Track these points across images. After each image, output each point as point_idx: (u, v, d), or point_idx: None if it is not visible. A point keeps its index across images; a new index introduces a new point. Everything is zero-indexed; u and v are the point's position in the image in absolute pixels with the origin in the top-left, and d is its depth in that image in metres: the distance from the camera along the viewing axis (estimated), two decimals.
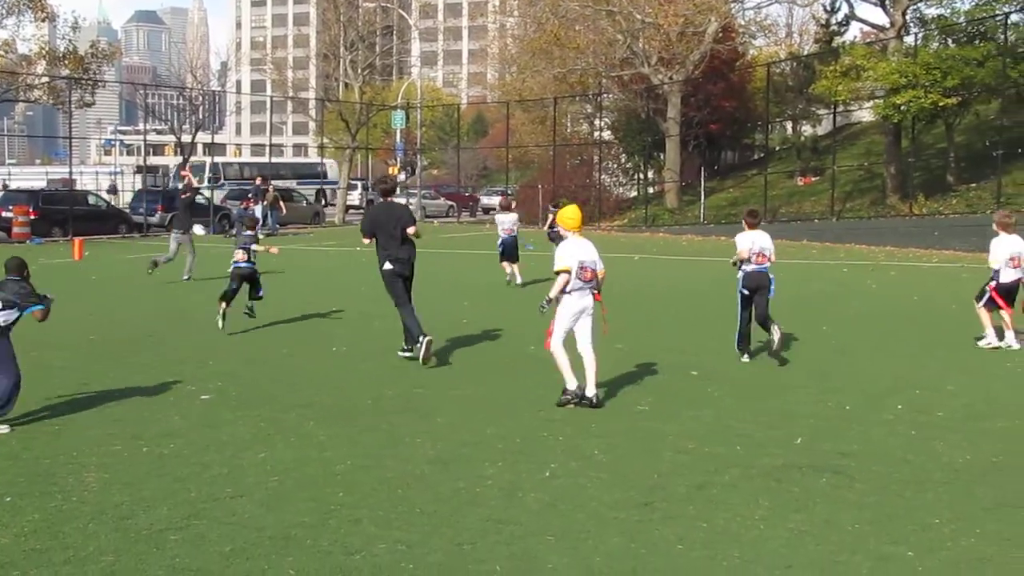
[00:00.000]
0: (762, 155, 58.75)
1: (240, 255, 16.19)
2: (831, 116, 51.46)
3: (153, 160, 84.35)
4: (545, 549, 6.82)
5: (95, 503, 7.67)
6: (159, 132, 76.47)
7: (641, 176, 57.60)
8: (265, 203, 42.88)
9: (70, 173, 49.39)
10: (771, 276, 13.80)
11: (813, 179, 52.36)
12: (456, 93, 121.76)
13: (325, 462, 8.81)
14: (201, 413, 10.61)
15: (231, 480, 8.27)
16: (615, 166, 59.69)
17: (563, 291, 10.92)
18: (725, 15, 50.02)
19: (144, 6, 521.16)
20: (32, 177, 70.20)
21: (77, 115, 44.04)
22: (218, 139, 71.36)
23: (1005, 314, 15.02)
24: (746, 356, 13.94)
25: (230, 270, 16.24)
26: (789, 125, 59.57)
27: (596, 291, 11.08)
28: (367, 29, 57.70)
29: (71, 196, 42.17)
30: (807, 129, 57.74)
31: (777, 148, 58.52)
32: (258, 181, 41.75)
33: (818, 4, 53.42)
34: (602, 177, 56.19)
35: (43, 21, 42.29)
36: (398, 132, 69.42)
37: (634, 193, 58.20)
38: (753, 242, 13.74)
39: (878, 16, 48.67)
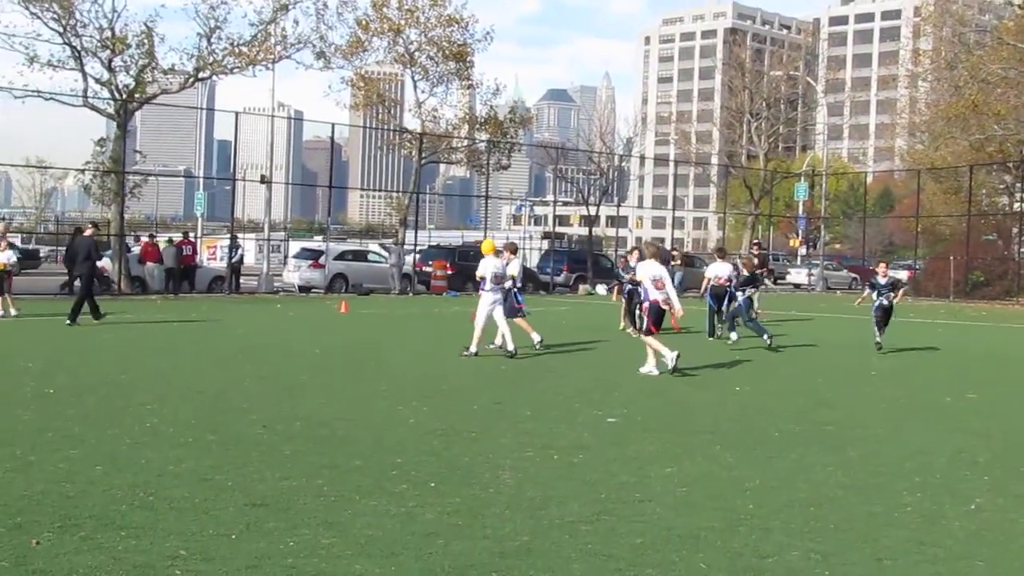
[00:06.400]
0: None
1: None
2: None
3: (560, 229, 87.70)
4: (976, 573, 6.34)
5: (510, 495, 7.91)
6: (565, 204, 79.43)
7: None
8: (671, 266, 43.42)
9: (484, 233, 52.12)
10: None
11: None
12: (862, 169, 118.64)
13: (733, 480, 8.67)
14: (608, 432, 10.79)
15: (639, 487, 8.30)
16: None
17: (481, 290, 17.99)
18: None
19: (556, 85, 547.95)
20: (450, 239, 74.76)
21: (490, 184, 46.61)
22: (622, 211, 73.24)
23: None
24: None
25: None
26: None
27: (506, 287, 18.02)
28: (773, 97, 57.50)
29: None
30: None
31: None
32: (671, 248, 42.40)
33: None
34: (1021, 251, 52.63)
35: (467, 89, 45.21)
36: (800, 204, 68.48)
37: None
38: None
39: None
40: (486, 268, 17.74)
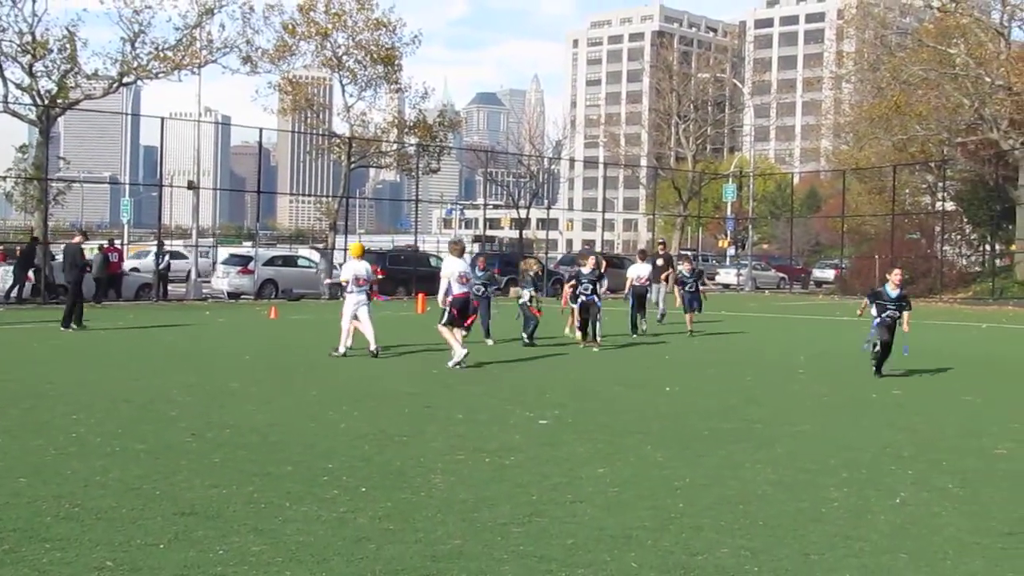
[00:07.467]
0: None
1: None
2: None
3: (490, 232, 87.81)
4: (900, 565, 6.46)
5: (441, 498, 7.91)
6: (496, 207, 79.50)
7: (987, 247, 54.55)
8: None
9: (415, 236, 52.06)
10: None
11: None
12: (788, 169, 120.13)
13: (664, 479, 8.74)
14: (540, 434, 10.81)
15: (571, 488, 8.34)
16: (958, 237, 56.80)
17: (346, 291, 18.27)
18: None
19: (485, 88, 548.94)
20: (380, 243, 74.52)
21: (420, 187, 46.55)
22: (552, 214, 73.49)
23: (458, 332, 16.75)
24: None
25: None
26: None
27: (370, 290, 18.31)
28: (700, 99, 58.01)
29: (414, 257, 44.34)
30: None
31: None
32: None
33: None
34: (944, 249, 53.60)
35: (395, 93, 45.07)
36: (729, 205, 69.22)
37: (979, 267, 55.11)
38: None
39: None
40: (349, 271, 18.44)
